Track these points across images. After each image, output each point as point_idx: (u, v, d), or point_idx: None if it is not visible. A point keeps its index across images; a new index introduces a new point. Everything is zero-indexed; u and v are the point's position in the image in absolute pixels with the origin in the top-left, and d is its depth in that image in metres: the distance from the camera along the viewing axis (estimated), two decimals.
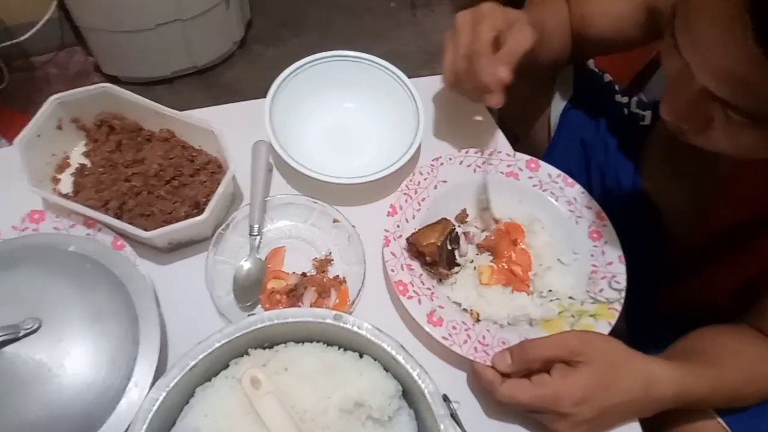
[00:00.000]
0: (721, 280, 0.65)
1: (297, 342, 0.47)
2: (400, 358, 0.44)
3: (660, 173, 0.74)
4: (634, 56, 1.09)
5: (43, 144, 0.57)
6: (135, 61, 1.37)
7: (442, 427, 0.41)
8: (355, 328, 0.44)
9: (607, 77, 0.88)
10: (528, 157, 0.66)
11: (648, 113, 0.83)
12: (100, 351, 0.47)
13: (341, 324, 0.45)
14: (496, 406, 0.51)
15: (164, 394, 0.41)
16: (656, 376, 0.51)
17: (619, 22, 0.72)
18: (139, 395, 0.46)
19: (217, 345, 0.43)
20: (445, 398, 0.42)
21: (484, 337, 0.53)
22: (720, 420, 0.62)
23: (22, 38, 1.35)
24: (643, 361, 0.51)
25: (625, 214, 0.65)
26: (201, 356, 0.42)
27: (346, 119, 0.68)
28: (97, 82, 0.58)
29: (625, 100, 0.85)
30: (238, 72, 1.53)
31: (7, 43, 1.34)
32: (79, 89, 0.58)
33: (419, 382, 0.43)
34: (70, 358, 0.46)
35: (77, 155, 0.61)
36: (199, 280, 0.55)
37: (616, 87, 0.87)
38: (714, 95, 0.41)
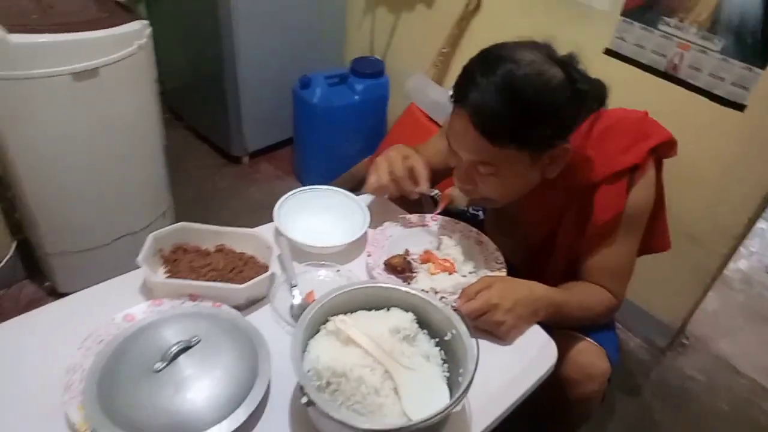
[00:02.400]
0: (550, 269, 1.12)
1: (353, 312, 0.82)
2: (413, 293, 0.81)
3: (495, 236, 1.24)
4: None
5: (150, 262, 0.89)
6: (90, 273, 1.63)
7: (448, 313, 0.78)
8: (381, 285, 0.82)
9: None
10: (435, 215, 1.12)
11: (480, 212, 1.38)
12: (238, 361, 0.76)
13: (376, 284, 0.82)
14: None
15: (300, 340, 0.73)
16: (534, 285, 0.93)
17: (442, 158, 1.19)
18: (263, 384, 0.74)
19: (317, 308, 0.77)
20: (442, 298, 0.80)
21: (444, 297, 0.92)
22: (588, 339, 1.05)
23: None
24: (524, 280, 0.94)
25: None
26: (310, 314, 0.76)
27: (321, 223, 1.09)
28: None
29: (464, 209, 1.39)
30: None
31: None
32: (164, 228, 0.93)
33: (427, 299, 0.80)
34: (220, 358, 0.76)
35: (161, 276, 0.93)
36: (266, 324, 0.87)
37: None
38: (473, 163, 0.91)
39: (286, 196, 1.06)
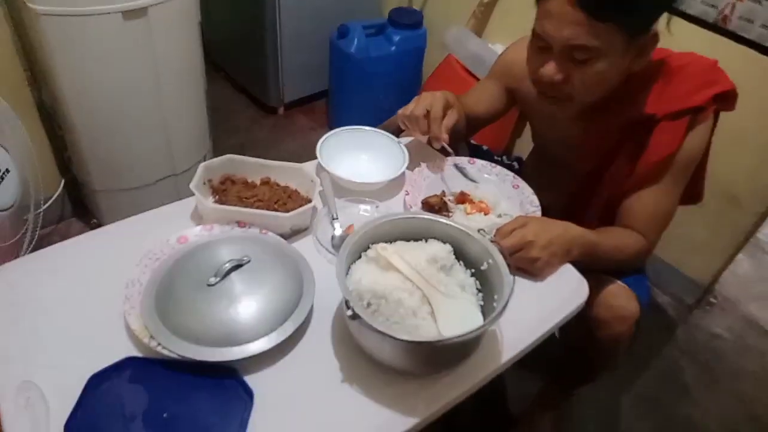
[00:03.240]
0: (588, 213, 1.13)
1: (393, 242, 0.85)
2: (452, 225, 0.84)
3: (534, 180, 1.25)
4: (501, 135, 1.74)
5: (200, 191, 0.94)
6: (134, 212, 1.71)
7: (486, 244, 0.81)
8: (422, 216, 0.85)
9: (485, 147, 1.43)
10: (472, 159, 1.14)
11: (515, 163, 1.38)
12: (285, 281, 0.81)
13: (417, 215, 0.85)
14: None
15: (344, 262, 0.77)
16: (568, 225, 0.95)
17: (489, 105, 1.26)
18: (308, 302, 0.79)
19: (360, 234, 0.80)
20: (480, 230, 0.82)
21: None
22: (619, 281, 1.07)
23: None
24: (558, 220, 0.96)
25: None
26: (354, 239, 0.79)
27: (362, 161, 1.12)
28: None
29: (498, 158, 1.40)
30: None
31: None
32: (213, 159, 0.97)
33: (466, 230, 0.83)
34: (268, 277, 0.80)
35: (212, 203, 0.97)
36: (309, 252, 0.91)
37: (491, 152, 1.42)
38: (565, 47, 0.89)
39: (328, 134, 1.09)
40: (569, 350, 1.24)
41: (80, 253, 0.89)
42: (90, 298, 0.81)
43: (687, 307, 1.84)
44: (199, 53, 1.65)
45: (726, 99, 1.00)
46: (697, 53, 1.03)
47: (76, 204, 1.80)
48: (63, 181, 1.72)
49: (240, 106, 2.52)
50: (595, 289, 1.05)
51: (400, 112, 1.06)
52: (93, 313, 0.79)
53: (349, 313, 0.69)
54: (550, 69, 0.94)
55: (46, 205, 1.60)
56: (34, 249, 1.49)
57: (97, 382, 0.71)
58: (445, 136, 1.04)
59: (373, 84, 2.20)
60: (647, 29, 0.90)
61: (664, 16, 0.91)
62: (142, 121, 1.55)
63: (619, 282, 1.07)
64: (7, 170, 1.23)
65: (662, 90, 0.99)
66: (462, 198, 1.06)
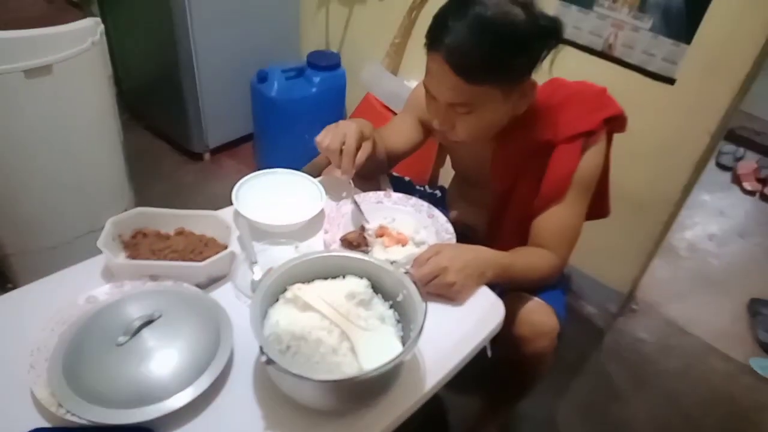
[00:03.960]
0: (506, 230, 1.20)
1: (310, 282, 0.86)
2: (366, 260, 0.86)
3: (460, 208, 1.31)
4: (424, 166, 1.79)
5: (110, 247, 0.92)
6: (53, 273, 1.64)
7: (399, 276, 0.83)
8: (336, 254, 0.86)
9: (407, 178, 1.47)
10: (388, 192, 1.17)
11: (437, 191, 1.44)
12: (201, 333, 0.80)
13: (331, 253, 0.86)
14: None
15: (258, 307, 0.77)
16: (480, 248, 0.99)
17: (406, 137, 1.31)
18: (226, 352, 0.78)
19: (275, 277, 0.81)
20: (393, 263, 0.85)
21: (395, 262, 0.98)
22: (537, 298, 1.12)
23: None
24: (470, 245, 1.00)
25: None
26: (269, 282, 0.80)
27: (279, 203, 1.13)
28: None
29: (420, 188, 1.46)
30: None
31: None
32: (122, 214, 0.95)
33: (380, 264, 0.85)
34: (182, 330, 0.79)
35: (122, 259, 0.95)
36: (228, 300, 0.91)
37: (413, 182, 1.46)
38: (451, 105, 0.98)
39: (244, 179, 1.10)
40: (501, 369, 1.28)
41: None
42: None
43: (611, 315, 1.94)
44: (111, 105, 1.62)
45: (616, 121, 1.09)
46: (588, 81, 1.12)
47: None
48: None
49: (163, 154, 2.48)
50: (515, 307, 1.10)
51: (317, 139, 1.08)
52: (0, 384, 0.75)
53: (264, 358, 0.69)
54: (436, 123, 1.05)
55: None
56: None
57: None
58: (352, 171, 1.07)
59: (297, 125, 2.23)
60: (521, 81, 0.99)
61: (548, 57, 0.99)
62: (54, 177, 1.50)
63: (536, 299, 1.12)
64: None
65: (557, 116, 1.08)
66: (381, 232, 1.09)
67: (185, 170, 2.39)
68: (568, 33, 1.62)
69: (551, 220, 1.10)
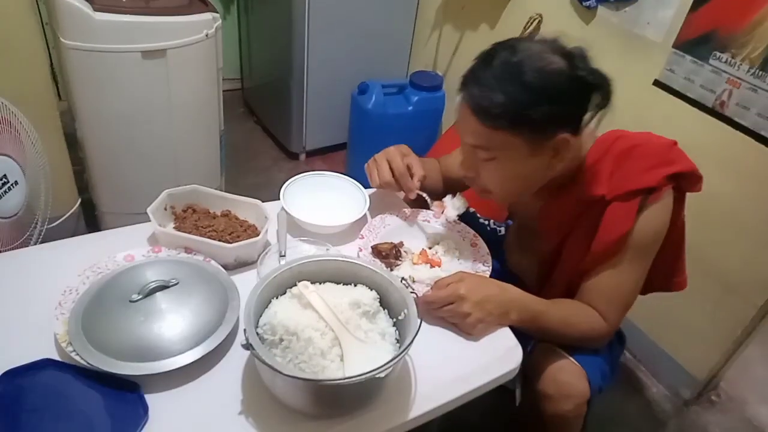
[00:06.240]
0: (555, 287, 1.11)
1: (322, 282, 0.87)
2: (376, 272, 0.85)
3: (514, 254, 1.25)
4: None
5: (158, 216, 0.99)
6: None
7: (403, 294, 0.81)
8: (349, 260, 0.86)
9: (471, 209, 1.42)
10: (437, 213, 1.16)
11: (502, 228, 1.38)
12: (208, 308, 0.84)
13: (342, 258, 0.87)
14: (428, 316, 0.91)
15: (258, 292, 0.79)
16: (509, 286, 0.94)
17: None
18: (224, 331, 0.81)
19: (279, 272, 0.83)
20: (402, 279, 0.83)
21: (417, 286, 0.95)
22: (571, 358, 1.03)
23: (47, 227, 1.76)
24: (499, 281, 0.95)
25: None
26: (272, 276, 0.82)
27: (324, 205, 1.16)
28: None
29: (485, 221, 1.41)
30: None
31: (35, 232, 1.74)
32: (178, 188, 1.03)
33: (388, 278, 0.84)
34: (191, 300, 0.83)
35: (170, 229, 1.03)
36: (249, 285, 0.94)
37: (477, 214, 1.42)
38: (472, 148, 0.93)
39: (296, 177, 1.14)
40: (524, 424, 1.19)
41: (34, 260, 0.95)
42: (34, 300, 0.86)
43: (682, 401, 1.72)
44: (216, 95, 1.76)
45: (684, 179, 0.97)
46: (655, 133, 1.01)
47: (90, 223, 1.91)
48: (80, 201, 1.84)
49: (265, 148, 2.65)
50: (543, 361, 1.02)
51: (372, 184, 1.11)
52: (31, 313, 0.84)
53: (243, 341, 0.71)
54: (462, 166, 1.01)
55: (59, 220, 1.71)
56: None
57: (9, 377, 0.75)
58: (417, 185, 1.08)
59: (389, 140, 2.22)
60: (545, 136, 0.90)
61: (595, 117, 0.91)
62: (153, 153, 1.66)
63: (570, 358, 1.03)
64: (16, 182, 1.34)
65: (614, 171, 0.97)
66: (422, 256, 1.07)
67: (279, 167, 2.53)
68: (679, 84, 1.50)
69: (601, 282, 1.00)
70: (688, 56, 1.47)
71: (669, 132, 1.01)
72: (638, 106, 1.60)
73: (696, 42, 1.44)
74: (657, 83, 1.56)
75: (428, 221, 1.15)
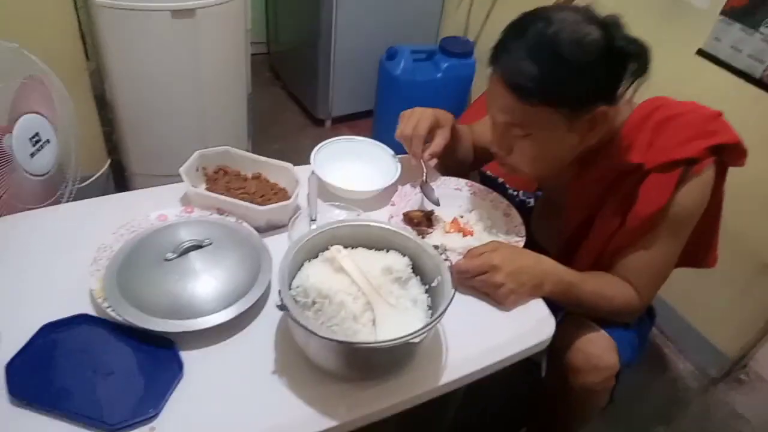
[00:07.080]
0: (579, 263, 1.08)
1: (354, 248, 0.86)
2: (409, 238, 0.84)
3: (540, 222, 1.22)
4: None
5: (190, 177, 0.99)
6: None
7: (438, 261, 0.80)
8: (381, 225, 0.85)
9: (500, 179, 1.40)
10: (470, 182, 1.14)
11: (531, 200, 1.35)
12: (241, 268, 0.84)
13: (376, 223, 0.85)
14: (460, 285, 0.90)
15: (293, 254, 0.79)
16: (543, 257, 0.92)
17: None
18: (257, 292, 0.81)
19: (312, 235, 0.82)
20: (436, 247, 0.82)
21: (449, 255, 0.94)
22: (602, 330, 1.01)
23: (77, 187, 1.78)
24: (533, 252, 0.93)
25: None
26: (306, 238, 0.81)
27: (356, 171, 1.14)
28: None
29: (514, 192, 1.37)
30: None
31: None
32: (210, 149, 1.03)
33: (421, 245, 0.83)
34: (225, 261, 0.83)
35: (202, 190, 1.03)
36: (280, 248, 0.94)
37: (506, 185, 1.37)
38: (507, 125, 0.90)
39: (326, 141, 1.13)
40: (548, 396, 1.19)
41: (71, 217, 0.96)
42: (69, 256, 0.87)
43: (710, 379, 1.70)
44: (244, 58, 1.75)
45: (728, 152, 0.93)
46: (698, 103, 0.96)
47: (119, 184, 1.93)
48: (109, 161, 1.85)
49: (291, 114, 2.63)
50: (573, 332, 1.01)
51: (396, 134, 1.07)
52: (67, 269, 0.85)
53: (278, 302, 0.71)
54: (493, 144, 0.98)
55: (89, 180, 1.73)
56: None
57: (47, 331, 0.76)
58: (426, 156, 1.04)
59: (416, 106, 2.23)
60: (585, 110, 0.86)
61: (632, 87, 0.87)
62: (181, 114, 1.65)
63: (601, 330, 1.01)
64: (48, 141, 1.35)
65: (653, 140, 0.93)
66: (453, 224, 1.05)
67: (305, 133, 2.52)
68: (725, 54, 1.43)
69: (636, 257, 0.97)
70: (737, 24, 1.39)
71: (712, 103, 0.96)
72: (679, 77, 1.52)
73: (746, 8, 1.37)
74: (701, 53, 1.49)
75: (460, 189, 1.13)
